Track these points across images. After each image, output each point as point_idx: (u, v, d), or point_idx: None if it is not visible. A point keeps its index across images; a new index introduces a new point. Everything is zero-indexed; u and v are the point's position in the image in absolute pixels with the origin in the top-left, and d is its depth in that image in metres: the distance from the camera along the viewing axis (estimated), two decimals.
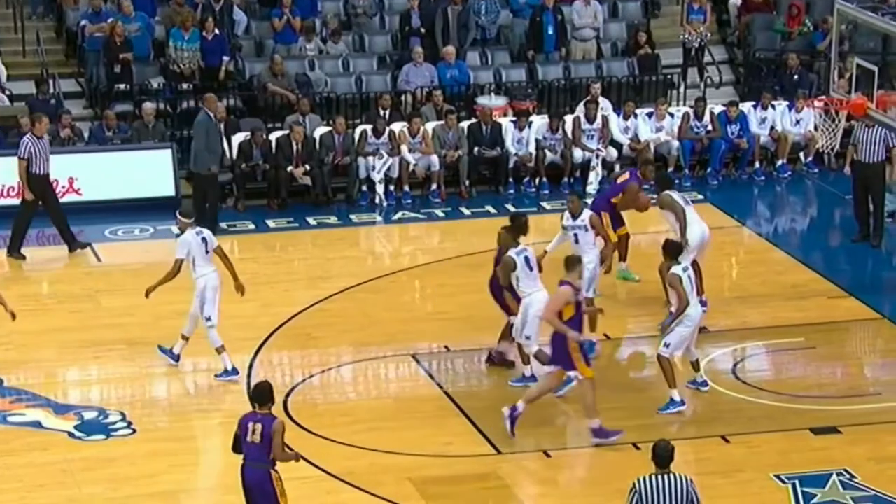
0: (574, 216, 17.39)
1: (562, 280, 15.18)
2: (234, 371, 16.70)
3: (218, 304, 16.68)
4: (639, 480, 11.44)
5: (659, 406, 15.82)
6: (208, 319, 16.58)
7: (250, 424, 12.49)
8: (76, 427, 15.75)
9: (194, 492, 14.53)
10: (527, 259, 16.15)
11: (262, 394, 12.63)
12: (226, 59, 24.33)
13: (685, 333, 15.63)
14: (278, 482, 12.52)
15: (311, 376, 17.04)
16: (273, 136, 22.90)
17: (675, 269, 15.65)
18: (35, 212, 20.59)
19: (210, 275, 16.64)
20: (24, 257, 20.49)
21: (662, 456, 11.48)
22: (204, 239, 16.71)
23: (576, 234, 17.29)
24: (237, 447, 12.63)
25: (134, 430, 15.71)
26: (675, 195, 17.96)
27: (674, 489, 11.34)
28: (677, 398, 15.81)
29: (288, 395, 16.45)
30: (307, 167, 22.56)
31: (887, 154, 20.69)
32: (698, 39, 25.93)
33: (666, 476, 11.41)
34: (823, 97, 19.90)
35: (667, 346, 15.76)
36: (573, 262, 15.33)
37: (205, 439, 15.56)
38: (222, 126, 22.04)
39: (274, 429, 12.44)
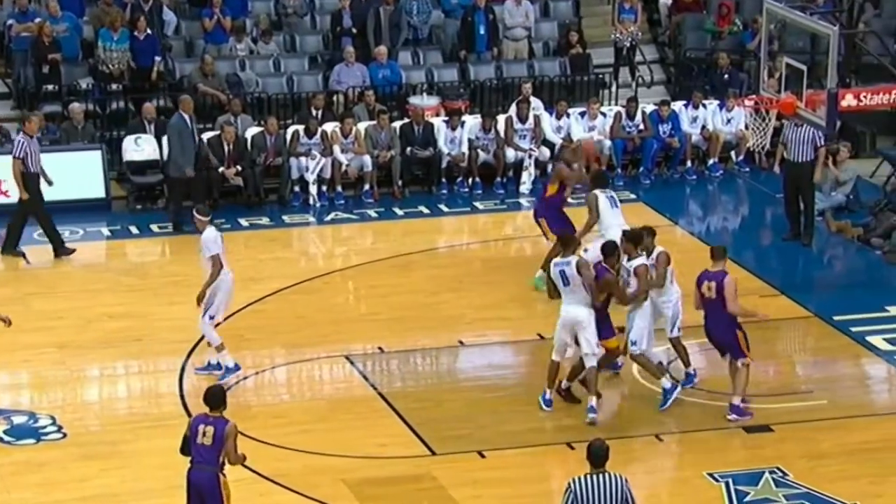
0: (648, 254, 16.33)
1: (718, 271, 15.41)
2: (237, 367, 16.63)
3: (226, 306, 16.58)
4: (574, 480, 11.47)
5: (658, 404, 15.97)
6: (211, 318, 16.43)
7: (201, 427, 12.41)
8: (5, 431, 15.58)
9: (125, 496, 14.41)
10: (561, 273, 15.66)
11: (214, 397, 12.58)
12: (157, 59, 24.19)
13: (643, 325, 15.80)
14: (226, 486, 12.46)
15: (245, 378, 16.95)
16: (204, 137, 22.77)
17: (639, 261, 15.84)
18: (37, 210, 20.46)
19: (225, 276, 16.45)
20: (22, 254, 20.46)
21: (597, 455, 11.51)
22: (221, 237, 16.58)
23: None
24: (186, 449, 12.55)
25: (64, 435, 15.56)
26: (602, 197, 17.99)
27: (609, 488, 11.37)
28: (668, 385, 15.92)
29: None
30: (239, 168, 22.45)
31: (815, 153, 20.86)
32: (629, 39, 26.05)
33: (601, 475, 11.44)
34: (754, 96, 20.03)
35: (634, 343, 15.92)
36: (720, 252, 15.61)
37: (136, 443, 15.43)
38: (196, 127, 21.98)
39: (227, 432, 12.38)
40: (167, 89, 24.20)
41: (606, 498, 11.32)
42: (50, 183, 20.61)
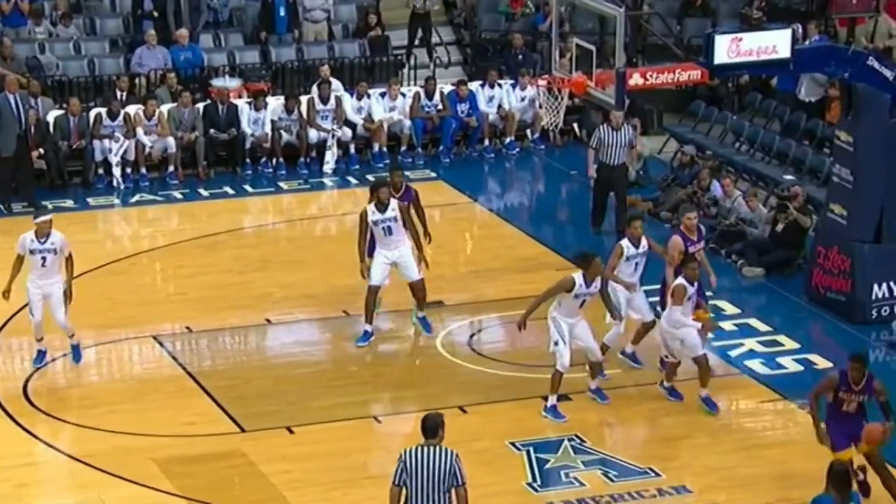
0: (589, 283, 15.32)
1: None
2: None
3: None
4: (405, 451, 11.37)
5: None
6: None
7: None
8: None
9: None
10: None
11: None
12: None
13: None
14: None
15: (53, 360, 16.64)
16: None
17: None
18: None
19: None
20: None
21: (427, 426, 11.40)
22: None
23: (584, 300, 15.45)
24: None
25: None
26: None
27: (437, 461, 11.27)
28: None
29: (28, 380, 16.05)
30: (41, 150, 21.96)
31: (629, 154, 20.76)
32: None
33: (431, 448, 11.32)
34: (546, 76, 20.21)
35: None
36: None
37: None
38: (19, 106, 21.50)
39: None
40: None
41: (434, 470, 11.24)
42: None
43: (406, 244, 16.99)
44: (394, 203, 16.86)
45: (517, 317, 15.91)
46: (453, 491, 11.28)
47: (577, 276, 15.22)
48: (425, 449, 11.35)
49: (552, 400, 15.43)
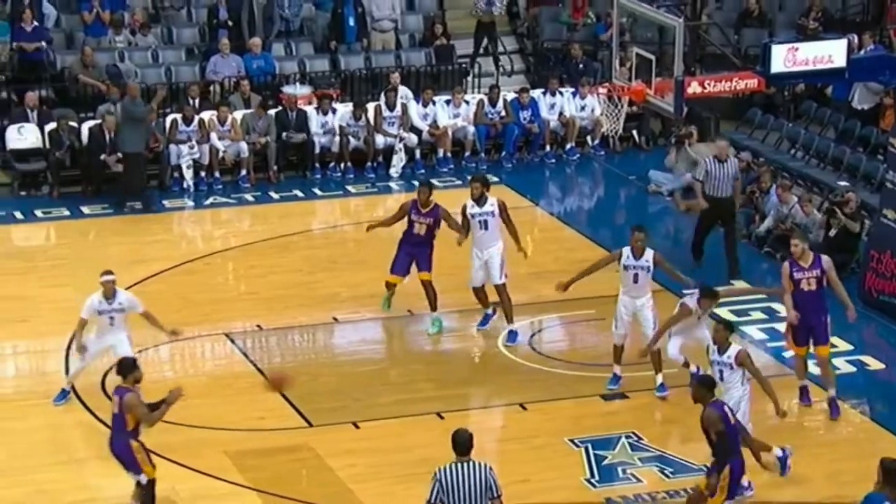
0: (637, 256, 15.81)
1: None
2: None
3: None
4: (440, 470, 11.31)
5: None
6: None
7: (115, 397, 12.99)
8: None
9: (13, 470, 14.26)
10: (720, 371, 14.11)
11: (121, 367, 13.15)
12: (44, 44, 23.86)
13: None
14: (139, 451, 12.95)
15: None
16: (86, 126, 22.52)
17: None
18: None
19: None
20: None
21: (459, 443, 11.33)
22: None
23: (636, 274, 15.79)
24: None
25: None
26: None
27: (473, 476, 11.22)
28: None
29: (106, 374, 16.20)
30: (119, 155, 22.19)
31: (733, 187, 20.38)
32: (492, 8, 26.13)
33: (465, 464, 11.27)
34: (607, 84, 20.23)
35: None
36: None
37: (25, 420, 15.28)
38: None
39: (125, 402, 12.83)
40: (48, 80, 23.88)
41: (471, 485, 11.20)
42: None
43: (497, 246, 16.95)
44: (492, 199, 16.90)
45: (576, 317, 15.97)
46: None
47: (626, 248, 15.71)
48: (461, 466, 11.27)
49: (615, 368, 15.96)
